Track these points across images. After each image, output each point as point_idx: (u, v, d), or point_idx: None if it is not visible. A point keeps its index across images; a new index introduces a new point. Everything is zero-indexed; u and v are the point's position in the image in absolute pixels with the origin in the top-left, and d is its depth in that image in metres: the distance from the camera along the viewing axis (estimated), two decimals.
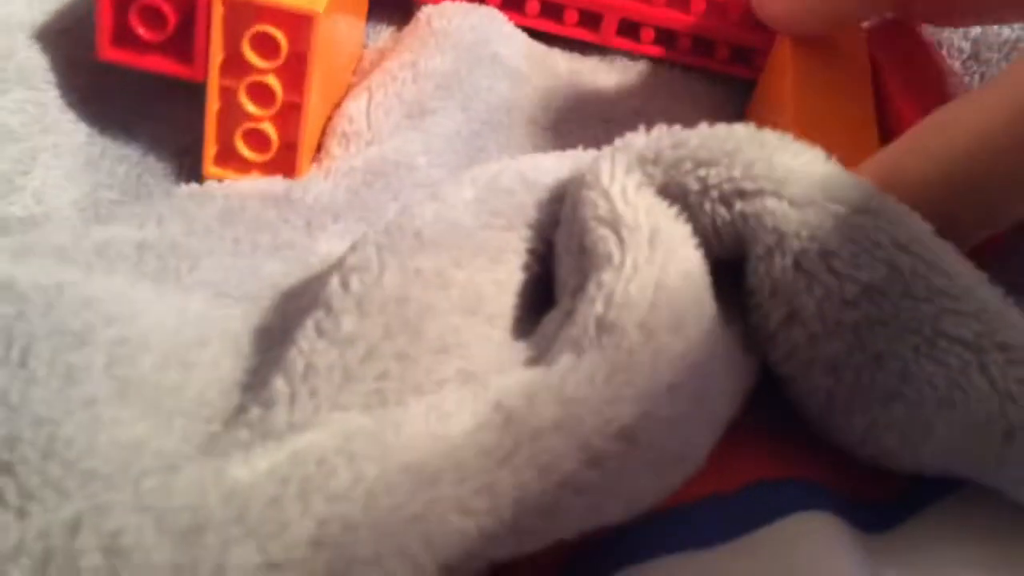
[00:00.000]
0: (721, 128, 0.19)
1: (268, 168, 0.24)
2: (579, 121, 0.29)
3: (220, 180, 0.24)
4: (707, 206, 0.18)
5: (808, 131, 0.23)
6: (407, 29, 0.30)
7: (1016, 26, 0.31)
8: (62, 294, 0.17)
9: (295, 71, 0.23)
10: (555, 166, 0.20)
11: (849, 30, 0.29)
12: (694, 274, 0.17)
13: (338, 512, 0.14)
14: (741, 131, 0.19)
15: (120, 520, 0.13)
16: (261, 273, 0.21)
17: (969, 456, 0.17)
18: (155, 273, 0.20)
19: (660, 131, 0.19)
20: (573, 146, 0.21)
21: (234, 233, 0.22)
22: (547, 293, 0.19)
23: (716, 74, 0.31)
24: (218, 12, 0.22)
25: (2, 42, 0.24)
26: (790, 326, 0.18)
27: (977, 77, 0.31)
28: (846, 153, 0.22)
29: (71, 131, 0.25)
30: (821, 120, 0.25)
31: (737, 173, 0.18)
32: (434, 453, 0.14)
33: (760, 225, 0.18)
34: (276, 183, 0.24)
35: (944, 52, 0.31)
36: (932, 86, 0.28)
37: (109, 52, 0.23)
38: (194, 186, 0.24)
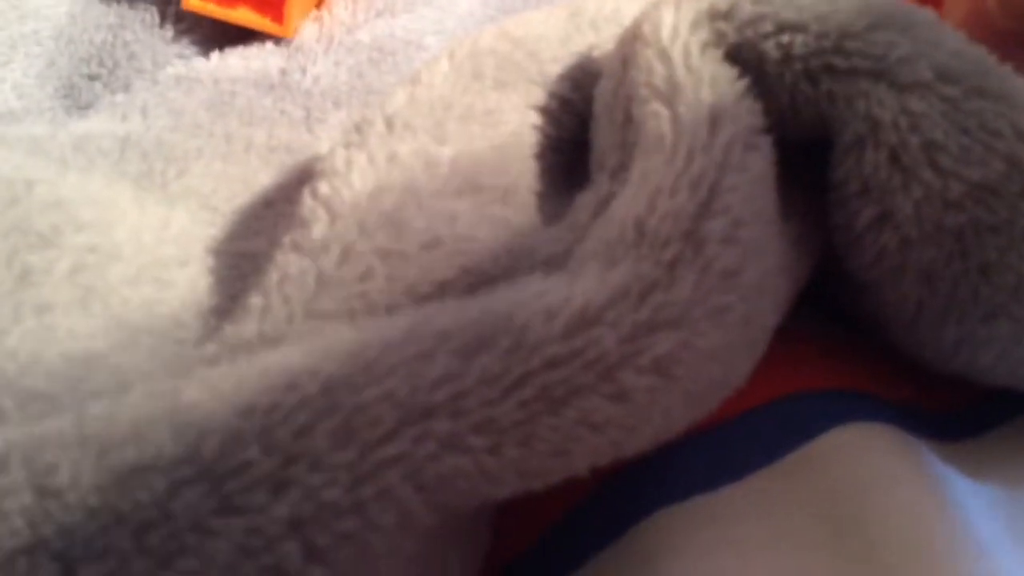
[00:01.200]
0: None
1: (254, 4, 0.21)
2: None
3: (201, 13, 0.22)
4: (787, 79, 0.15)
5: None
6: None
7: None
8: (31, 191, 0.16)
9: None
10: (543, 17, 0.17)
11: None
12: (757, 169, 0.14)
13: (307, 448, 0.11)
14: None
15: (56, 454, 0.11)
16: (254, 184, 0.19)
17: None
18: (138, 175, 0.18)
19: None
20: None
21: (225, 128, 0.20)
22: (579, 156, 0.16)
23: None
24: None
25: None
26: (880, 228, 0.15)
27: None
28: None
29: (51, 15, 0.22)
30: None
31: (828, 44, 0.15)
32: (426, 381, 0.12)
33: (850, 109, 0.15)
34: (271, 61, 0.21)
35: None
36: None
37: None
38: (180, 68, 0.21)
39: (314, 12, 0.23)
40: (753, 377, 0.14)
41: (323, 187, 0.15)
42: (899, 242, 0.15)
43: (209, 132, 0.20)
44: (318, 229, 0.14)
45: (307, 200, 0.15)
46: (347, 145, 0.15)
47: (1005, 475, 0.16)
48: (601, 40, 0.17)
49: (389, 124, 0.15)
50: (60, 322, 0.14)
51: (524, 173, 0.16)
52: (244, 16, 0.22)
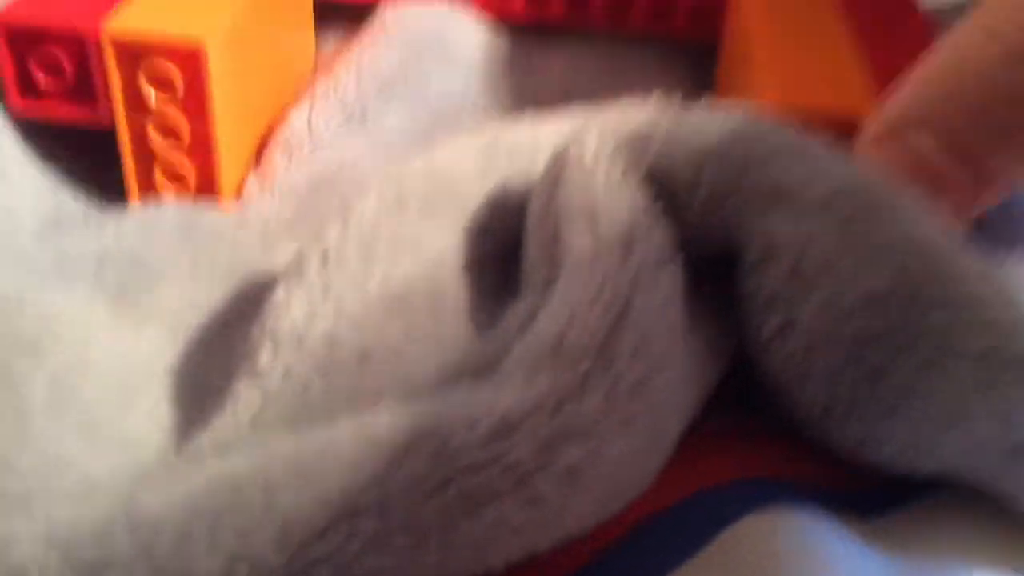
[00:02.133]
0: (722, 116, 0.17)
1: (193, 198, 0.24)
2: (534, 106, 0.28)
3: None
4: (697, 203, 0.17)
5: (781, 80, 0.23)
6: (364, 30, 0.29)
7: None
8: (23, 305, 0.17)
9: (197, 101, 0.22)
10: (463, 148, 0.19)
11: None
12: (666, 288, 0.16)
13: (248, 547, 0.12)
14: (742, 122, 0.17)
15: (26, 552, 0.12)
16: (214, 306, 0.20)
17: (974, 470, 0.16)
18: (114, 292, 0.20)
19: (654, 107, 0.18)
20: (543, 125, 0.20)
21: (193, 248, 0.22)
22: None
23: (674, 44, 0.30)
24: (110, 53, 0.22)
25: None
26: (785, 337, 0.16)
27: None
28: (827, 95, 0.22)
29: (44, 148, 0.24)
30: (794, 65, 0.24)
31: (733, 172, 0.16)
32: (356, 483, 0.13)
33: (754, 231, 0.16)
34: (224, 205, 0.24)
35: None
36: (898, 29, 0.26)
37: (19, 103, 0.23)
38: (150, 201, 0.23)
39: (254, 167, 0.25)
40: (663, 477, 0.15)
41: (268, 320, 0.16)
42: (802, 349, 0.16)
43: (179, 252, 0.21)
44: (264, 357, 0.16)
45: (255, 332, 0.16)
46: (287, 279, 0.17)
47: (924, 550, 0.17)
48: (514, 169, 0.19)
49: (324, 258, 0.17)
50: (37, 423, 0.15)
51: (451, 289, 0.17)
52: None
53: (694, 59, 0.30)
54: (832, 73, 0.23)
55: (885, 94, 0.22)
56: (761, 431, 0.18)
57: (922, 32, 0.26)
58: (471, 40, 0.29)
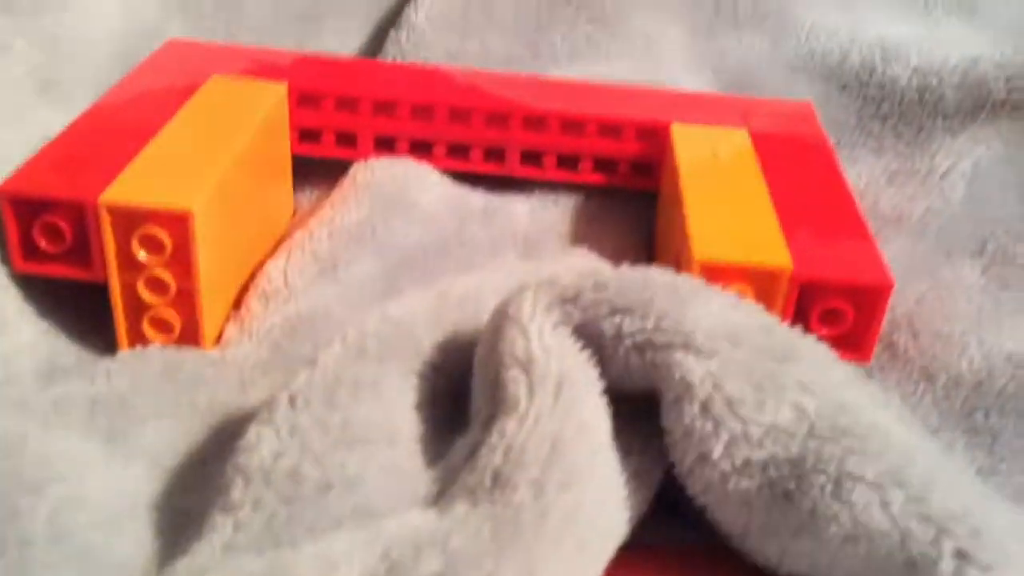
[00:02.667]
0: (639, 274, 0.20)
1: (177, 345, 0.26)
2: (492, 252, 0.31)
3: None
4: (620, 351, 0.19)
5: (704, 224, 0.26)
6: (337, 186, 0.32)
7: None
8: (24, 446, 0.20)
9: (184, 261, 0.24)
10: (417, 300, 0.21)
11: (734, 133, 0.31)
12: (593, 426, 0.18)
13: None
14: (656, 279, 0.20)
15: None
16: (194, 444, 0.22)
17: None
18: (106, 432, 0.22)
19: (583, 269, 0.20)
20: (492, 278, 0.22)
21: (176, 390, 0.24)
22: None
23: (621, 190, 0.33)
24: (106, 220, 0.24)
25: None
26: (703, 466, 0.18)
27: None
28: (746, 240, 0.25)
29: (39, 301, 0.26)
30: (715, 213, 0.27)
31: (649, 324, 0.19)
32: None
33: (669, 375, 0.19)
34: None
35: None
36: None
37: (21, 265, 0.25)
38: (138, 347, 0.25)
39: (233, 312, 0.27)
40: None
41: (240, 459, 0.18)
42: (719, 476, 0.18)
43: (162, 393, 0.23)
44: (235, 492, 0.18)
45: (228, 469, 0.18)
46: (258, 421, 0.19)
47: None
48: (464, 316, 0.21)
49: (291, 401, 0.19)
50: (37, 556, 0.17)
51: (407, 424, 0.19)
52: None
53: (640, 205, 0.33)
54: (750, 230, 0.26)
55: (797, 250, 0.25)
56: (696, 548, 0.20)
57: (838, 192, 0.29)
58: (434, 194, 0.32)
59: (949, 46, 0.34)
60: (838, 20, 0.37)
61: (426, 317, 0.21)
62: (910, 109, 0.34)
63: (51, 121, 0.30)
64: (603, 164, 0.32)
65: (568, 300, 0.19)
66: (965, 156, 0.31)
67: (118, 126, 0.28)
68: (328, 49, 0.38)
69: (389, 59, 0.37)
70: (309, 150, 0.32)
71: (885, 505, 0.17)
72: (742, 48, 0.37)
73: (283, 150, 0.32)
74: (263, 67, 0.32)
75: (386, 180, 0.31)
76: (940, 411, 0.25)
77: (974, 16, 0.36)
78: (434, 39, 0.36)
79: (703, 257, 0.25)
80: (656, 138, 0.31)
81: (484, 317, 0.21)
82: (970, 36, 0.35)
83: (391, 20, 0.38)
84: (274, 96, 0.30)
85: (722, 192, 0.28)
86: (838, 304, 0.25)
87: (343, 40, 0.39)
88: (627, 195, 0.33)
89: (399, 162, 0.32)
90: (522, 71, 0.37)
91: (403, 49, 0.36)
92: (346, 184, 0.31)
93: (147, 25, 0.35)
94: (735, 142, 0.31)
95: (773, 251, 0.25)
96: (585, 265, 0.29)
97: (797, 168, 0.30)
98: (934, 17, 0.37)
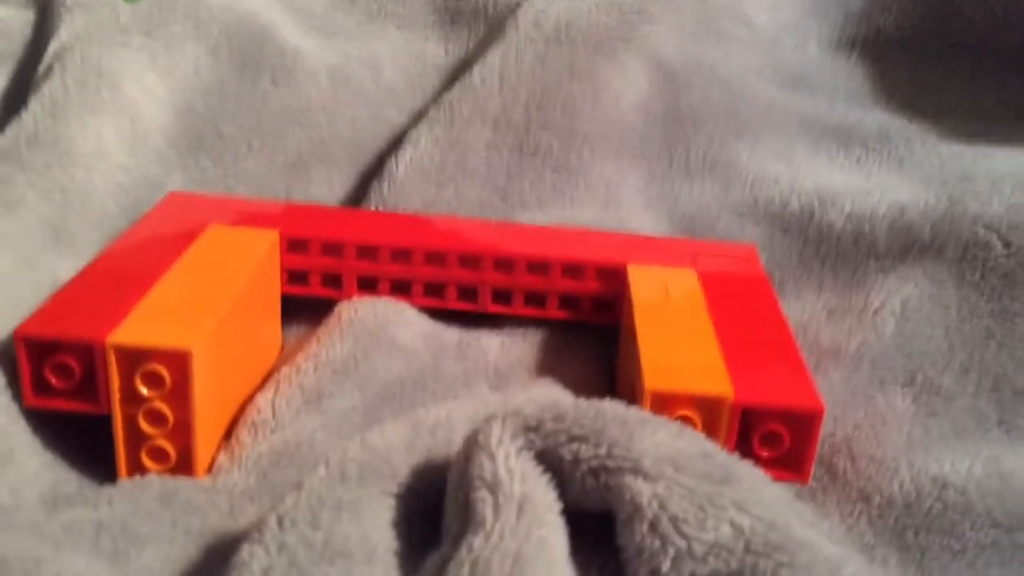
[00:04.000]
0: (593, 406, 0.22)
1: (170, 474, 0.28)
2: (466, 383, 0.33)
3: None
4: (578, 475, 0.21)
5: (654, 357, 0.28)
6: (323, 322, 0.34)
7: None
8: (39, 568, 0.21)
9: (182, 395, 0.27)
10: (394, 430, 0.24)
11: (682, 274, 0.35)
12: (551, 543, 0.20)
13: None
14: (608, 411, 0.22)
15: None
16: (190, 562, 0.24)
17: None
18: (110, 554, 0.24)
19: (545, 401, 0.23)
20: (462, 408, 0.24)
21: (172, 515, 0.26)
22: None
23: (584, 325, 0.36)
24: (112, 359, 0.26)
25: None
26: None
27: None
28: (693, 371, 0.28)
29: (43, 432, 0.28)
30: (665, 346, 0.29)
31: (603, 451, 0.21)
32: None
33: (621, 496, 0.21)
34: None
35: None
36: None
37: (32, 401, 0.28)
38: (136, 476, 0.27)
39: (224, 442, 0.30)
40: None
41: (234, 573, 0.20)
42: None
43: (160, 518, 0.25)
44: None
45: None
46: (250, 541, 0.21)
47: None
48: (436, 443, 0.24)
49: (279, 521, 0.21)
50: None
51: (383, 540, 0.21)
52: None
53: (601, 338, 0.36)
54: (696, 362, 0.29)
55: (738, 379, 0.27)
56: None
57: (776, 326, 0.32)
58: (412, 330, 0.34)
59: (880, 194, 0.38)
60: (779, 170, 0.40)
61: (402, 444, 0.23)
62: (846, 251, 0.37)
63: (59, 267, 0.33)
64: (567, 301, 0.35)
65: (531, 428, 0.22)
66: (895, 294, 0.34)
67: (124, 272, 0.30)
68: (316, 196, 0.42)
69: (372, 207, 0.40)
70: (298, 290, 0.35)
71: None
72: (694, 194, 0.41)
73: (274, 291, 0.34)
74: (256, 216, 0.36)
75: (368, 318, 0.33)
76: (875, 529, 0.28)
77: (902, 167, 0.40)
78: (412, 189, 0.40)
79: (654, 387, 0.27)
80: (615, 277, 0.35)
81: (455, 443, 0.23)
82: (898, 185, 0.39)
83: (374, 170, 0.42)
84: (266, 243, 0.33)
85: (671, 327, 0.31)
86: (776, 427, 0.27)
87: (330, 188, 0.42)
88: (590, 329, 0.36)
89: (380, 301, 0.34)
90: (493, 216, 0.40)
91: (384, 197, 0.40)
92: (331, 321, 0.34)
93: (150, 179, 0.38)
94: (684, 281, 0.34)
95: (716, 381, 0.28)
96: (548, 396, 0.31)
97: (739, 304, 0.33)
98: (866, 168, 0.41)
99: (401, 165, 0.40)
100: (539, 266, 0.35)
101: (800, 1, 0.47)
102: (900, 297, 0.34)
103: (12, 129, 0.34)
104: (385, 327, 0.33)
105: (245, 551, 0.20)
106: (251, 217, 0.35)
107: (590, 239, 0.37)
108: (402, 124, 0.43)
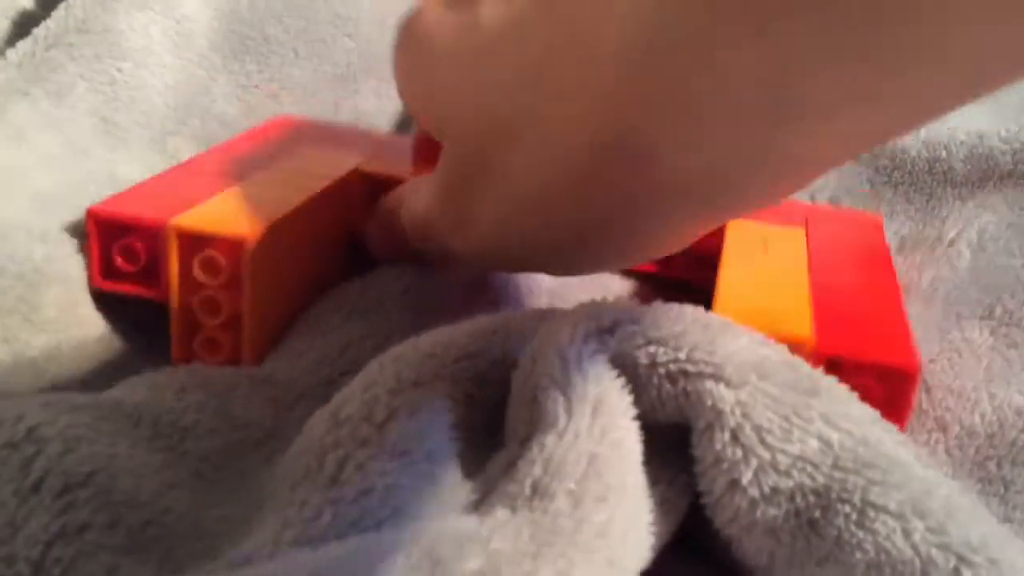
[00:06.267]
0: (673, 308, 0.21)
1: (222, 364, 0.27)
2: (528, 294, 0.32)
3: None
4: (655, 380, 0.20)
5: (731, 297, 0.27)
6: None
7: None
8: (79, 444, 0.20)
9: (236, 287, 0.26)
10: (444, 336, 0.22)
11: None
12: (627, 447, 0.19)
13: None
14: (689, 314, 0.21)
15: None
16: (233, 453, 0.23)
17: None
18: (150, 438, 0.22)
19: (621, 302, 0.21)
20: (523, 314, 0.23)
21: (217, 404, 0.24)
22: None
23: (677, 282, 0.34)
24: (173, 242, 0.26)
25: (48, 249, 0.28)
26: (732, 493, 0.19)
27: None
28: (772, 312, 0.26)
29: (91, 329, 0.28)
30: (747, 291, 0.27)
31: (682, 355, 0.20)
32: None
33: (700, 403, 0.20)
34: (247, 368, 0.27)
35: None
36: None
37: (99, 282, 0.28)
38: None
39: (274, 344, 0.29)
40: None
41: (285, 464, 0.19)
42: (748, 503, 0.19)
43: (204, 406, 0.24)
44: (287, 502, 0.18)
45: (278, 472, 0.19)
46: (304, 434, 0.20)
47: None
48: (494, 346, 0.22)
49: (335, 415, 0.20)
50: None
51: (442, 442, 0.20)
52: None
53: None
54: (779, 304, 0.27)
55: (826, 326, 0.26)
56: None
57: (885, 293, 0.30)
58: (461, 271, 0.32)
59: (957, 120, 0.36)
60: None
61: (457, 350, 0.22)
62: (920, 178, 0.35)
63: (115, 160, 0.32)
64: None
65: (605, 330, 0.20)
66: (972, 222, 0.33)
67: (206, 175, 0.31)
68: (364, 109, 0.40)
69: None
70: None
71: (907, 534, 0.18)
72: None
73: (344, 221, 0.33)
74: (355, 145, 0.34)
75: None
76: (954, 461, 0.26)
77: None
78: None
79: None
80: (715, 232, 0.31)
81: (514, 349, 0.22)
82: (977, 111, 0.37)
83: None
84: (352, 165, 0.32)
85: (759, 276, 0.29)
86: (865, 382, 0.25)
87: (378, 102, 0.41)
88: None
89: None
90: None
91: None
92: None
93: (195, 80, 0.37)
94: (788, 238, 0.32)
95: (798, 324, 0.26)
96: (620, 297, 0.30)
97: (845, 267, 0.31)
98: None
99: None
100: None
101: None
102: (978, 226, 0.33)
103: (60, 15, 0.33)
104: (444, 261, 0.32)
105: (295, 446, 0.19)
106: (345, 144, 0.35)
107: None
108: None
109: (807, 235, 0.32)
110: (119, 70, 0.34)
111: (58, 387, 0.26)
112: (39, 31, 0.32)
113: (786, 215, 0.34)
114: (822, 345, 0.25)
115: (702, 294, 0.31)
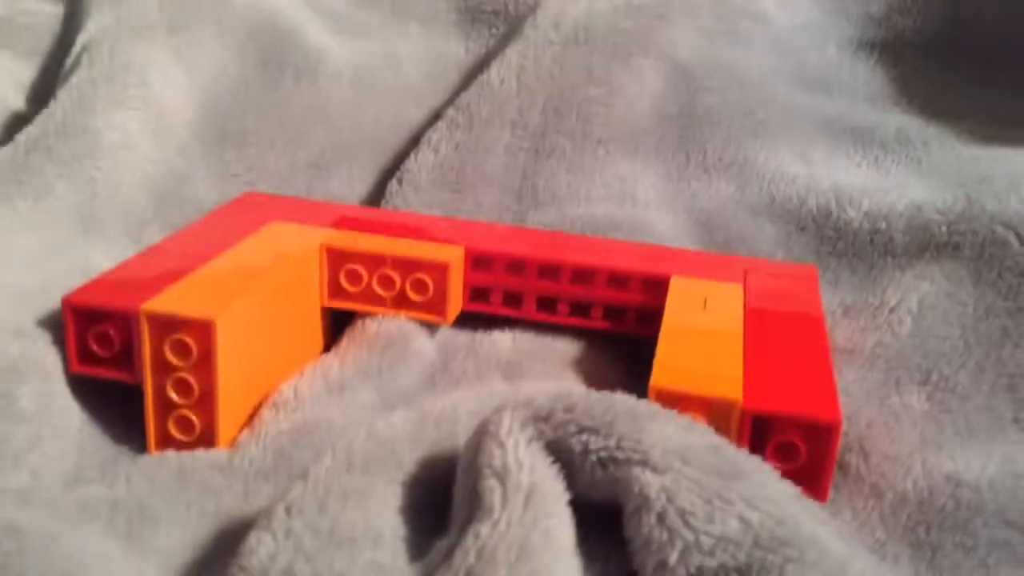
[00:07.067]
0: (604, 398, 0.23)
1: (194, 445, 0.29)
2: (478, 377, 0.33)
3: None
4: (587, 466, 0.22)
5: (670, 355, 0.28)
6: (348, 331, 0.34)
7: None
8: (56, 542, 0.22)
9: (207, 366, 0.28)
10: (400, 422, 0.24)
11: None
12: (558, 533, 0.20)
13: None
14: (619, 403, 0.22)
15: None
16: (200, 547, 0.25)
17: None
18: (124, 533, 0.24)
19: (555, 391, 0.23)
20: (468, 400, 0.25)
21: (187, 497, 0.26)
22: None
23: (627, 337, 0.35)
24: (145, 326, 0.28)
25: (23, 344, 0.29)
26: (662, 572, 0.20)
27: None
28: (705, 373, 0.27)
29: (69, 418, 0.29)
30: (685, 349, 0.29)
31: (612, 443, 0.21)
32: None
33: (629, 488, 0.21)
34: (219, 456, 0.28)
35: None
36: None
37: (76, 367, 0.30)
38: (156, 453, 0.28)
39: (248, 424, 0.30)
40: None
41: (243, 560, 0.21)
42: None
43: (175, 499, 0.26)
44: None
45: (233, 568, 0.21)
46: (258, 528, 0.21)
47: None
48: (441, 434, 0.24)
49: (287, 509, 0.21)
50: None
51: (389, 527, 0.21)
52: None
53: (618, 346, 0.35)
54: (712, 365, 0.28)
55: (755, 385, 0.27)
56: None
57: (815, 346, 0.31)
58: (432, 342, 0.35)
59: (897, 193, 0.38)
60: (797, 170, 0.40)
61: (407, 434, 0.23)
62: (863, 248, 0.37)
63: (91, 255, 0.33)
64: (611, 312, 0.35)
65: (541, 418, 0.22)
66: (912, 291, 0.34)
67: (175, 257, 0.32)
68: (336, 194, 0.42)
69: (389, 207, 0.40)
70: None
71: None
72: (711, 192, 0.41)
73: (316, 293, 0.34)
74: (319, 219, 0.36)
75: (392, 330, 0.33)
76: (887, 526, 0.27)
77: (920, 167, 0.40)
78: (429, 189, 0.40)
79: (659, 385, 0.27)
80: (660, 289, 0.34)
81: (460, 435, 0.24)
82: (916, 184, 0.39)
83: (395, 170, 0.42)
84: (318, 241, 0.34)
85: (697, 334, 0.30)
86: (790, 438, 0.26)
87: (351, 187, 0.42)
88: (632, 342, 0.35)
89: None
90: (508, 216, 0.40)
91: (403, 197, 0.40)
92: (356, 331, 0.34)
93: (176, 171, 0.39)
94: (727, 294, 0.33)
95: (727, 384, 0.27)
96: (559, 387, 0.31)
97: (780, 321, 0.32)
98: (884, 168, 0.41)
99: (420, 166, 0.40)
100: (585, 275, 0.34)
101: (820, 2, 0.47)
102: (917, 295, 0.34)
103: (41, 120, 0.35)
104: (409, 339, 0.33)
105: (253, 538, 0.21)
106: (315, 219, 0.36)
107: (639, 252, 0.36)
108: (422, 123, 0.44)
109: (745, 291, 0.34)
110: (97, 168, 0.36)
111: (39, 477, 0.27)
112: (20, 136, 0.34)
113: (727, 269, 0.36)
114: (749, 403, 0.26)
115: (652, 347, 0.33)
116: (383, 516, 0.22)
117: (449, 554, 0.20)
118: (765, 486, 0.21)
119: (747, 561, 0.20)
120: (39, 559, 0.20)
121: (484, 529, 0.19)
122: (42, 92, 0.41)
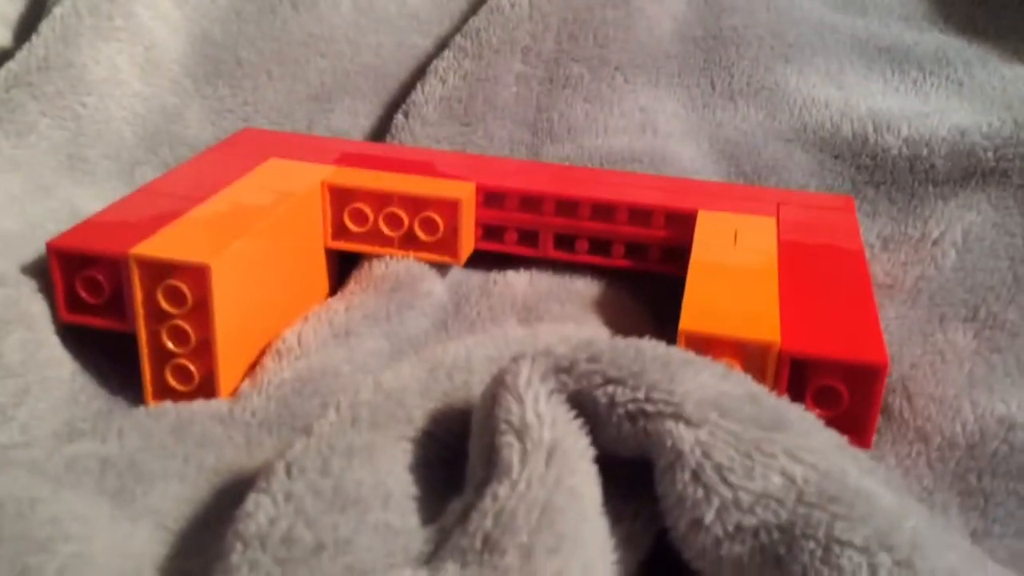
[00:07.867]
0: (632, 345, 0.21)
1: (194, 396, 0.27)
2: (493, 319, 0.31)
3: None
4: (614, 419, 0.20)
5: (700, 296, 0.26)
6: (354, 274, 0.33)
7: None
8: (34, 508, 0.20)
9: (203, 313, 0.26)
10: (409, 371, 0.22)
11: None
12: (582, 492, 0.19)
13: None
14: (648, 350, 0.20)
15: None
16: (200, 504, 0.23)
17: None
18: (114, 492, 0.23)
19: (578, 340, 0.21)
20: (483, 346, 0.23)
21: (185, 450, 0.24)
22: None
23: (651, 276, 0.33)
24: (135, 272, 0.26)
25: (6, 292, 0.27)
26: (696, 531, 0.19)
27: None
28: (738, 314, 0.25)
29: (59, 368, 0.27)
30: (715, 288, 0.27)
31: (641, 395, 0.19)
32: None
33: (660, 443, 0.19)
34: (221, 405, 0.27)
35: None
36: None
37: (66, 316, 0.28)
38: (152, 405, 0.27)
39: (249, 371, 0.29)
40: None
41: (239, 525, 0.19)
42: (712, 541, 0.19)
43: (172, 453, 0.24)
44: (234, 556, 0.18)
45: (228, 536, 0.19)
46: (256, 490, 0.19)
47: None
48: (454, 385, 0.22)
49: (287, 469, 0.20)
50: None
51: (399, 486, 0.20)
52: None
53: (637, 283, 0.33)
54: (745, 305, 0.26)
55: (793, 326, 0.25)
56: None
57: (856, 282, 0.29)
58: (443, 283, 0.33)
59: (938, 117, 0.35)
60: (830, 94, 0.38)
61: (417, 386, 0.22)
62: (902, 177, 0.35)
63: (78, 195, 0.32)
64: (634, 249, 0.33)
65: (563, 370, 0.20)
66: (956, 222, 0.32)
67: (167, 198, 0.30)
68: (338, 128, 0.40)
69: (396, 141, 0.38)
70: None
71: (873, 569, 0.18)
72: (737, 120, 0.38)
73: (317, 237, 0.33)
74: (320, 156, 0.34)
75: (400, 272, 0.32)
76: (935, 473, 0.26)
77: (961, 90, 0.38)
78: (438, 122, 0.38)
79: (689, 328, 0.25)
80: (686, 224, 0.32)
81: (475, 386, 0.22)
82: (958, 108, 0.36)
83: (399, 101, 0.40)
84: (318, 178, 0.32)
85: (728, 271, 0.28)
86: (831, 382, 0.25)
87: (353, 120, 0.40)
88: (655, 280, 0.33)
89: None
90: (522, 150, 0.38)
91: (411, 131, 0.38)
92: (362, 273, 0.32)
93: (167, 107, 0.37)
94: (759, 228, 0.31)
95: (763, 326, 0.25)
96: (581, 334, 0.29)
97: (817, 255, 0.30)
98: (923, 91, 0.38)
99: (427, 98, 0.38)
100: (605, 210, 0.32)
101: None
102: (962, 226, 0.32)
103: (23, 55, 0.33)
104: (418, 282, 0.32)
105: (251, 501, 0.19)
106: (318, 156, 0.34)
107: (662, 185, 0.34)
108: (429, 51, 0.41)
109: (778, 224, 0.32)
110: (83, 104, 0.33)
111: (28, 432, 0.26)
112: (0, 72, 0.32)
113: (758, 201, 0.33)
114: (788, 345, 0.25)
115: (678, 287, 0.30)
116: (392, 474, 0.20)
117: (464, 516, 0.18)
118: (809, 436, 0.19)
119: (790, 519, 0.18)
120: (16, 527, 0.19)
121: (502, 490, 0.18)
122: (27, 28, 0.39)
